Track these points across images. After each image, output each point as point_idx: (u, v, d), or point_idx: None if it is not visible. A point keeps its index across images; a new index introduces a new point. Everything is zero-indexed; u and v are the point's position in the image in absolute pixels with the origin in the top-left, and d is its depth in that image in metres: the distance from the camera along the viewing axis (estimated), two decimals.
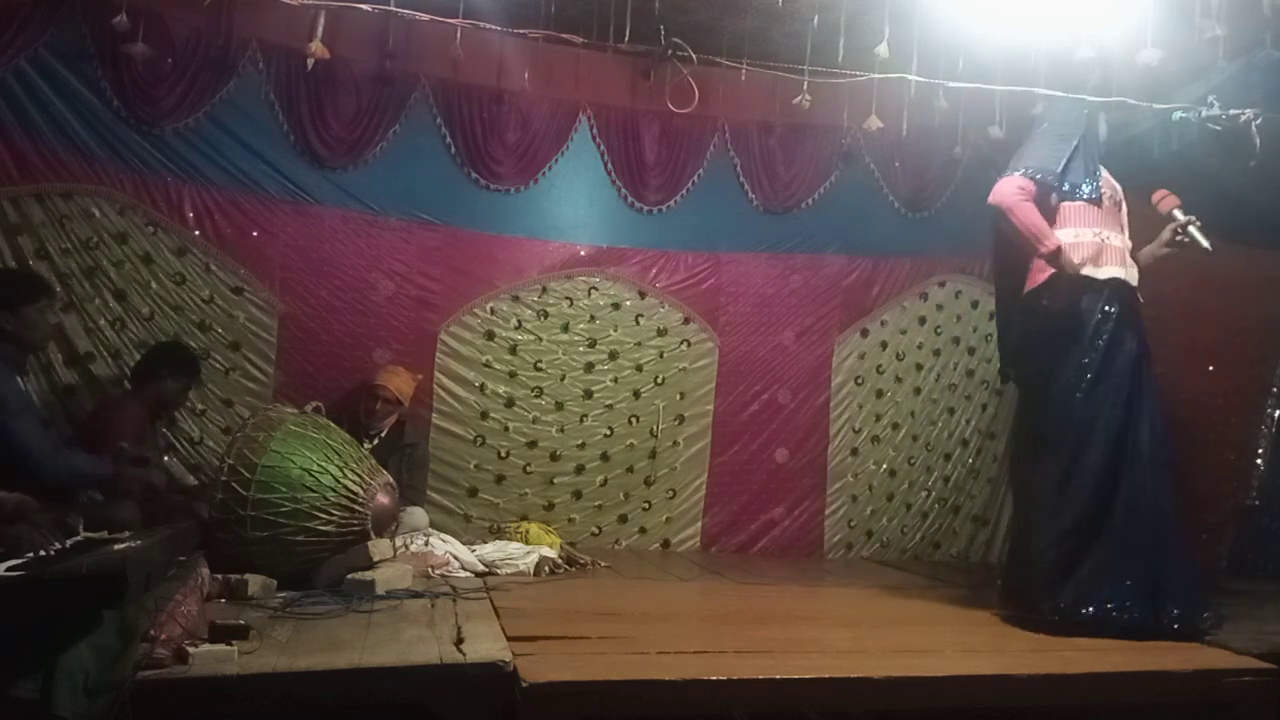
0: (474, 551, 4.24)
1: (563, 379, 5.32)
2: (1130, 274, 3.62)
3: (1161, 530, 3.41)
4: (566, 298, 5.34)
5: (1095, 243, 3.59)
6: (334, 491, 3.56)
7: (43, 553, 2.32)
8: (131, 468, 3.54)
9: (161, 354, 4.29)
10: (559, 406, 5.30)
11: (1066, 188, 3.63)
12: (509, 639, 2.76)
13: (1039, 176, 3.61)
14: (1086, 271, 3.54)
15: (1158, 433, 3.48)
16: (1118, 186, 3.74)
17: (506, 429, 5.22)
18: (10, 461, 3.12)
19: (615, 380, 5.39)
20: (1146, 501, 3.41)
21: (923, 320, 5.78)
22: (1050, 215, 3.60)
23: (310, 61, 3.80)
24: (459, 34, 3.80)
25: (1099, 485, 3.42)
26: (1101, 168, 3.73)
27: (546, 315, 5.32)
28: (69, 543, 2.50)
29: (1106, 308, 3.52)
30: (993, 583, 4.62)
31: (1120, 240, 3.67)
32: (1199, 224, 3.60)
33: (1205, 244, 3.58)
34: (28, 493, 2.91)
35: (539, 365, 5.29)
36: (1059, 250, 3.49)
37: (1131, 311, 3.58)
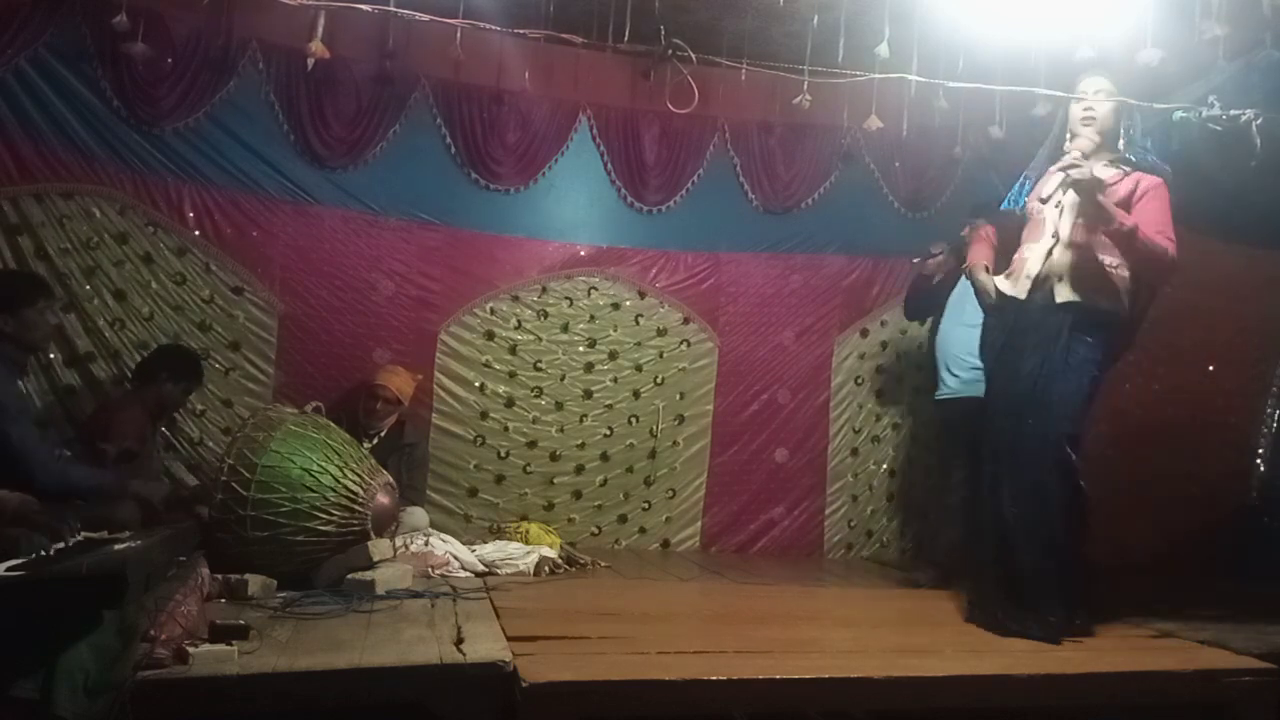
0: (474, 551, 4.24)
1: (562, 379, 5.32)
2: (1039, 289, 3.48)
3: (1038, 536, 3.37)
4: (566, 298, 5.34)
5: (1018, 259, 3.61)
6: (334, 491, 3.56)
7: (42, 553, 2.31)
8: (134, 482, 3.51)
9: (163, 357, 4.29)
10: (559, 406, 5.30)
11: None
12: (509, 639, 2.76)
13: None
14: (1004, 288, 3.58)
15: (1050, 449, 3.37)
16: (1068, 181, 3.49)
17: (506, 429, 5.22)
18: (6, 466, 3.12)
19: (615, 380, 5.39)
20: (1027, 513, 3.38)
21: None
22: None
23: (310, 61, 3.79)
24: (459, 34, 3.79)
25: (992, 498, 3.48)
26: (1051, 171, 3.63)
27: (546, 315, 5.32)
28: (68, 543, 2.50)
29: (1009, 324, 3.56)
30: None
31: (1037, 250, 3.51)
32: (1072, 172, 3.40)
33: (1075, 175, 3.39)
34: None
35: (539, 365, 5.29)
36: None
37: (1032, 326, 3.48)
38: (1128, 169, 3.56)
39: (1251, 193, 4.42)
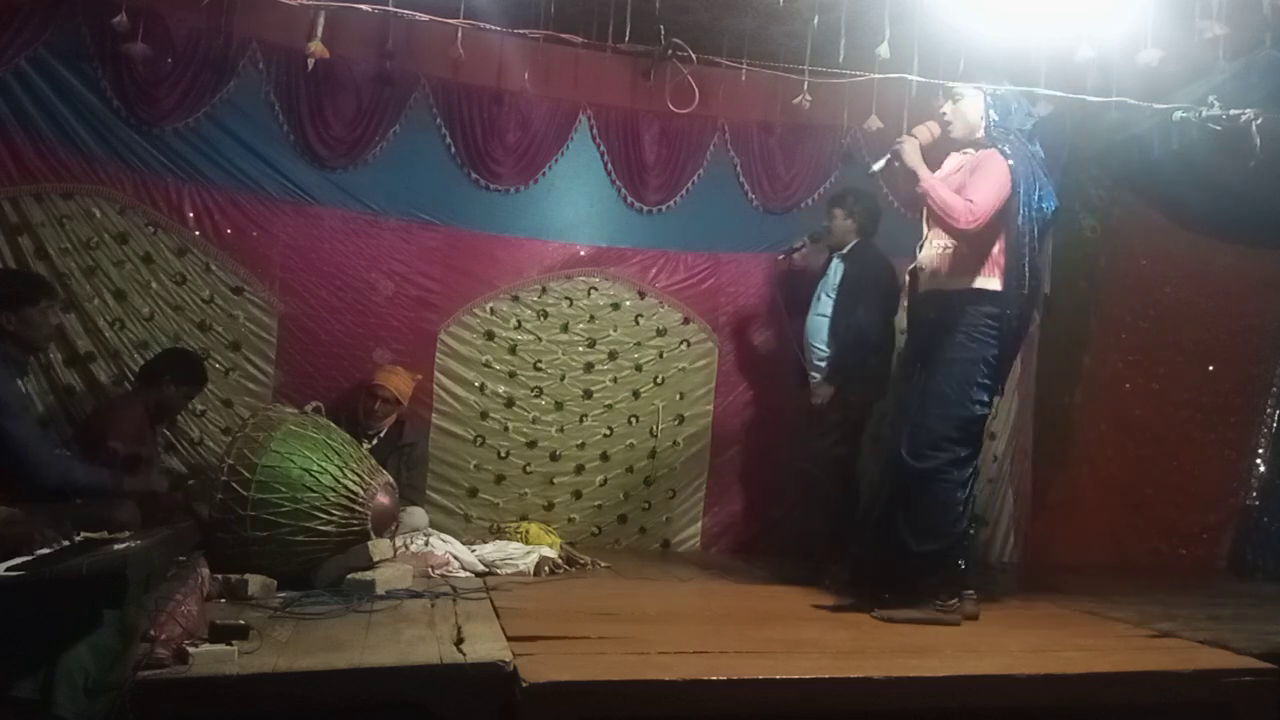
0: (474, 551, 4.24)
1: (562, 379, 5.32)
2: (927, 279, 3.73)
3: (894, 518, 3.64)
4: (566, 298, 5.34)
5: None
6: (334, 491, 3.56)
7: (41, 552, 2.31)
8: (133, 479, 3.52)
9: (167, 360, 4.29)
10: (559, 406, 5.30)
11: None
12: (509, 639, 2.76)
13: None
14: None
15: (923, 431, 3.58)
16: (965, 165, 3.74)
17: (506, 429, 5.22)
18: (8, 465, 3.12)
19: (615, 380, 5.39)
20: (896, 491, 3.66)
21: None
22: None
23: (310, 61, 3.79)
24: (459, 34, 3.80)
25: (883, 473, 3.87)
26: (954, 154, 3.82)
27: (546, 315, 5.32)
28: (68, 543, 2.50)
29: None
30: (993, 582, 4.64)
31: (935, 239, 3.70)
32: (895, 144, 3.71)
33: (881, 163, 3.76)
34: (22, 498, 2.90)
35: (539, 365, 5.29)
36: None
37: (919, 318, 3.80)
38: (973, 150, 3.74)
39: (1251, 192, 4.43)
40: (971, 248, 3.59)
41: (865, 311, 4.56)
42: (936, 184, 3.61)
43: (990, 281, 3.59)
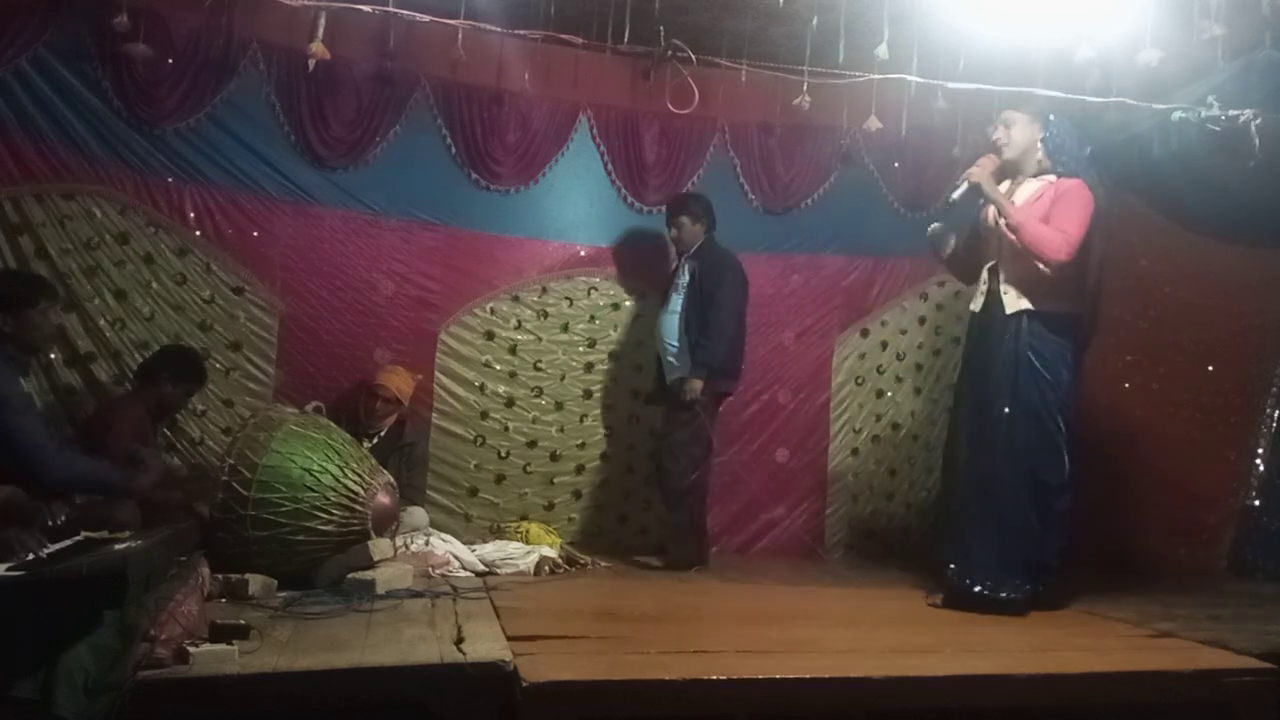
0: (474, 551, 4.25)
1: (563, 379, 5.32)
2: (994, 294, 3.85)
3: (994, 512, 3.78)
4: (566, 298, 5.34)
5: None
6: (334, 491, 3.57)
7: (33, 555, 2.31)
8: (144, 474, 3.51)
9: (165, 358, 4.29)
10: (559, 406, 5.31)
11: None
12: (509, 639, 2.76)
13: None
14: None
15: (1012, 435, 3.75)
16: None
17: (506, 429, 5.22)
18: (13, 460, 3.11)
19: (615, 380, 5.40)
20: (992, 489, 3.79)
21: (923, 320, 5.78)
22: None
23: (311, 62, 3.80)
24: (459, 35, 3.80)
25: (964, 475, 4.02)
26: (1028, 181, 3.90)
27: (546, 315, 5.32)
28: (68, 543, 2.50)
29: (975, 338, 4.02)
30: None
31: (1014, 265, 3.78)
32: (968, 174, 3.80)
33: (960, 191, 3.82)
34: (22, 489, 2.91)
35: (539, 365, 5.29)
36: None
37: (995, 338, 3.84)
38: (1051, 179, 3.82)
39: (1250, 193, 4.43)
40: (1057, 275, 3.68)
41: (719, 306, 4.72)
42: (1027, 217, 3.71)
43: (1074, 306, 3.81)
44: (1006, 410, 3.75)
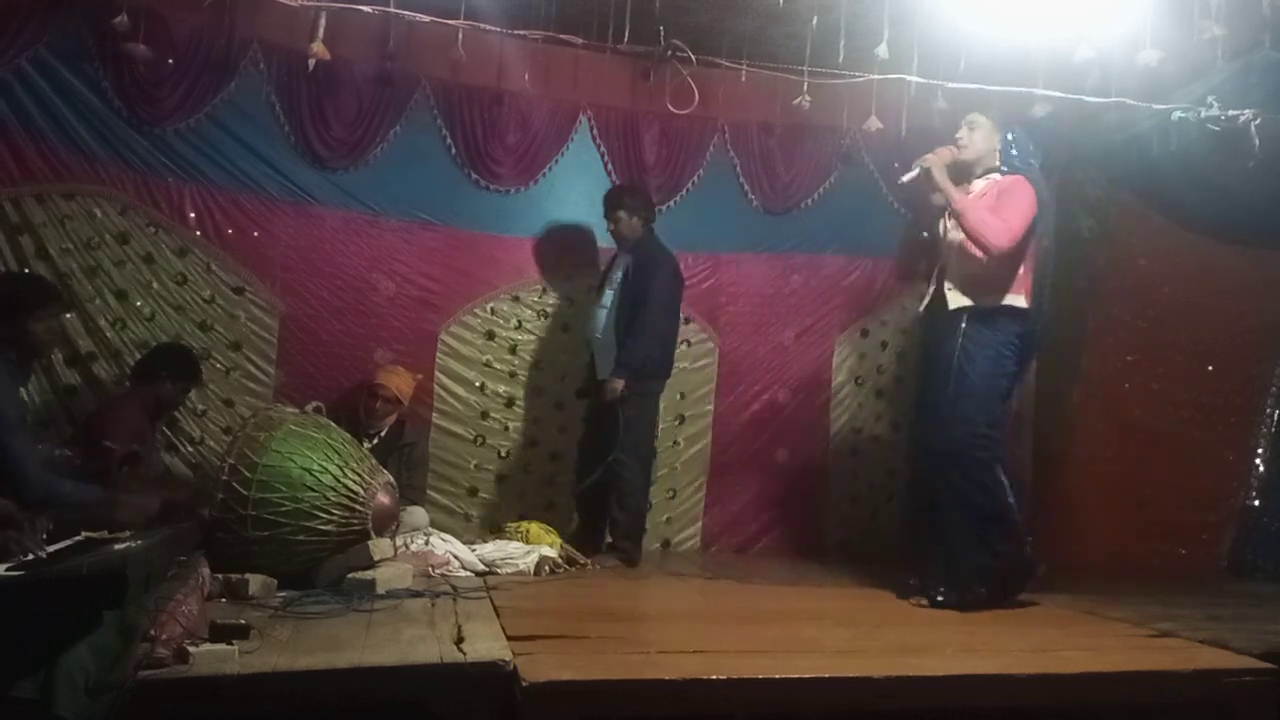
0: (474, 551, 4.24)
1: (563, 379, 5.32)
2: (939, 294, 3.91)
3: (938, 520, 3.92)
4: (567, 298, 5.34)
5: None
6: (334, 491, 3.57)
7: (33, 555, 2.31)
8: (124, 510, 3.46)
9: (161, 356, 4.29)
10: (559, 406, 5.31)
11: None
12: (509, 638, 2.76)
13: None
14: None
15: (959, 433, 3.79)
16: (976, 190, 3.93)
17: (507, 429, 5.22)
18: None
19: None
20: (936, 496, 3.91)
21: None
22: None
23: (311, 62, 3.80)
24: (460, 35, 3.80)
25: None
26: (977, 180, 3.96)
27: (547, 315, 5.32)
28: (68, 543, 2.50)
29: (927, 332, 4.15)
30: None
31: (962, 258, 3.84)
32: (917, 170, 3.87)
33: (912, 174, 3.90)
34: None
35: (539, 365, 5.29)
36: None
37: (941, 332, 3.91)
38: (996, 177, 3.89)
39: (1250, 193, 4.43)
40: (1000, 267, 3.75)
41: (648, 304, 4.66)
42: (972, 204, 3.79)
43: (1017, 299, 3.81)
44: (944, 414, 3.83)
